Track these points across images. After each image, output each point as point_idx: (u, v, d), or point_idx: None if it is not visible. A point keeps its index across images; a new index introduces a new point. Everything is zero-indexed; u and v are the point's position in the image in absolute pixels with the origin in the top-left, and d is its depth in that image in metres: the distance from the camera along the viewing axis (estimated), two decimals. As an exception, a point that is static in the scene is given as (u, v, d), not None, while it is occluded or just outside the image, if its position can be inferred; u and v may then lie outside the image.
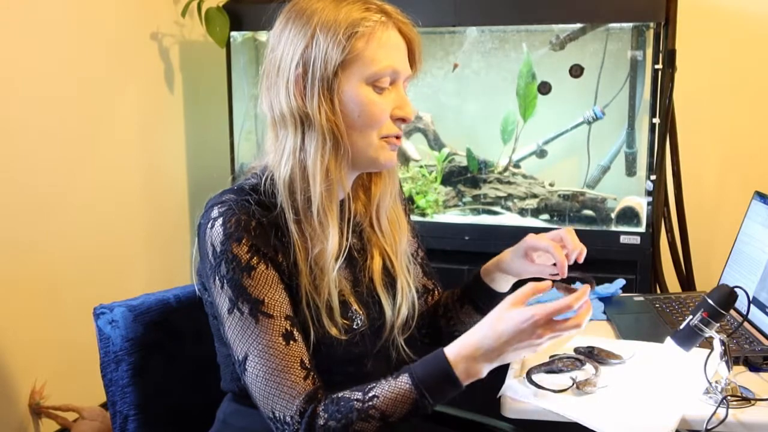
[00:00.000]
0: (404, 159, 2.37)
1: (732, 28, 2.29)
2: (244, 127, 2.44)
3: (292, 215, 1.07)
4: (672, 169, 2.18)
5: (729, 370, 1.15)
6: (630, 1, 2.06)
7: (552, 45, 2.20)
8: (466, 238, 2.21)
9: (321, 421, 0.99)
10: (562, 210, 2.26)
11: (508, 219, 2.29)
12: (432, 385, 1.00)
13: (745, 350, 1.31)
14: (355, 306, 1.11)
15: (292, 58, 1.06)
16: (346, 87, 1.06)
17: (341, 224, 1.11)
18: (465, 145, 2.35)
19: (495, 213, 2.31)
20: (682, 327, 1.20)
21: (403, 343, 1.18)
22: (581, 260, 1.16)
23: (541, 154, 2.32)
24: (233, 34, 2.35)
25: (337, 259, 1.08)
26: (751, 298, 1.44)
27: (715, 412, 1.10)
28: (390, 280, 1.18)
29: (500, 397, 1.19)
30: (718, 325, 1.17)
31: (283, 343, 1.01)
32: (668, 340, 1.22)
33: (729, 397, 1.12)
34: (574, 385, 1.18)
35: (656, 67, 2.05)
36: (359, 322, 1.11)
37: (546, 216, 2.27)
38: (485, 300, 1.25)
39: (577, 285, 1.09)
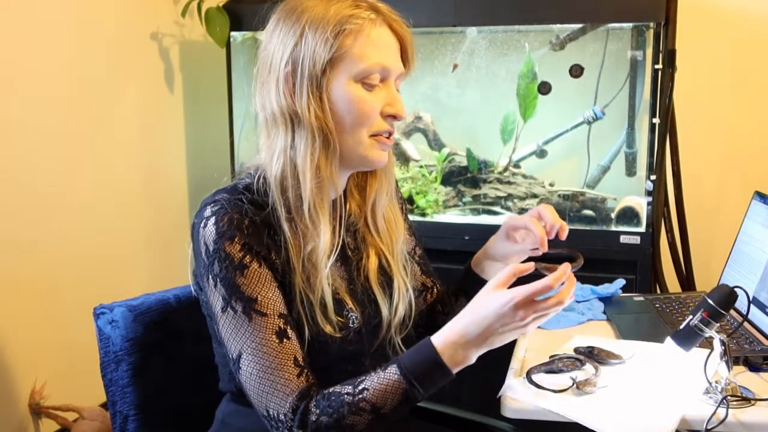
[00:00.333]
0: (404, 159, 2.37)
1: (732, 28, 2.29)
2: (244, 127, 2.43)
3: (284, 213, 1.07)
4: (672, 169, 2.18)
5: (729, 370, 1.15)
6: (630, 1, 2.06)
7: (552, 45, 2.20)
8: (466, 238, 2.21)
9: (313, 417, 0.99)
10: (562, 210, 2.26)
11: (508, 219, 2.29)
12: (420, 374, 1.00)
13: (745, 350, 1.31)
14: (350, 304, 1.12)
15: (282, 56, 1.06)
16: (335, 85, 1.06)
17: (334, 222, 1.12)
18: (465, 145, 2.35)
19: (495, 213, 2.31)
20: (682, 327, 1.20)
21: (400, 342, 1.18)
22: (563, 236, 1.15)
23: (541, 154, 2.32)
24: (233, 34, 2.35)
25: (329, 256, 1.08)
26: (751, 298, 1.44)
27: (715, 412, 1.10)
28: (386, 279, 1.18)
29: (500, 397, 1.19)
30: (718, 325, 1.17)
31: (277, 341, 1.02)
32: (668, 340, 1.22)
33: (729, 397, 1.12)
34: (574, 385, 1.18)
35: (656, 67, 2.05)
36: (354, 320, 1.12)
37: (546, 216, 2.27)
38: (478, 290, 1.24)
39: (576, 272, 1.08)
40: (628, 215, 2.19)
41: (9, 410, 1.99)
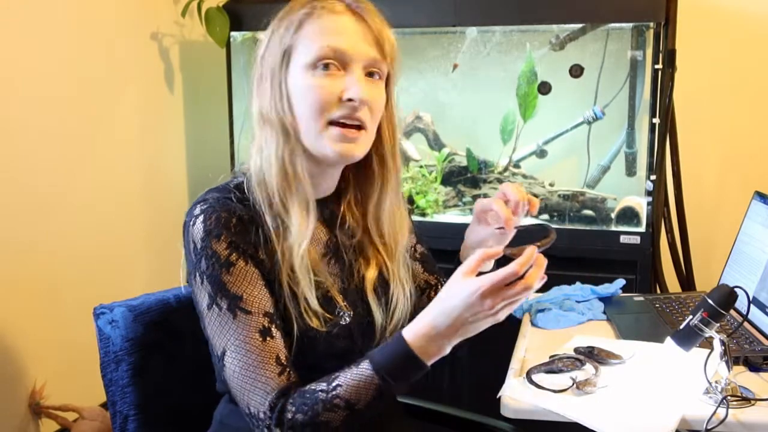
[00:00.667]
0: (404, 159, 2.37)
1: (732, 28, 2.29)
2: (244, 127, 2.43)
3: (267, 210, 1.08)
4: (672, 169, 2.18)
5: (729, 370, 1.15)
6: (630, 1, 2.06)
7: (552, 45, 2.20)
8: (466, 238, 2.21)
9: (289, 415, 0.99)
10: (562, 210, 2.26)
11: (508, 219, 2.28)
12: (392, 368, 0.99)
13: (745, 350, 1.31)
14: (340, 302, 1.11)
15: (257, 60, 1.11)
16: (292, 76, 1.08)
17: (322, 219, 1.14)
18: (465, 145, 2.35)
19: (495, 213, 2.30)
20: (682, 327, 1.20)
21: None
22: (534, 211, 1.13)
23: (541, 154, 2.32)
24: (233, 34, 2.36)
25: (303, 250, 1.07)
26: (751, 298, 1.44)
27: (715, 412, 1.10)
28: (384, 288, 1.18)
29: (500, 397, 1.19)
30: (718, 325, 1.17)
31: (260, 339, 1.02)
32: (668, 340, 1.22)
33: (729, 397, 1.12)
34: (574, 385, 1.18)
35: (656, 67, 2.05)
36: (344, 316, 1.11)
37: (546, 216, 2.27)
38: None
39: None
40: (628, 215, 2.19)
41: (9, 410, 1.99)
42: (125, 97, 2.39)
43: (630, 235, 2.11)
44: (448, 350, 1.01)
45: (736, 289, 1.18)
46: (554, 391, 1.17)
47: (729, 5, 2.29)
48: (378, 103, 1.10)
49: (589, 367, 1.25)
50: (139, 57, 2.44)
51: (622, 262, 2.09)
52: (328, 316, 1.09)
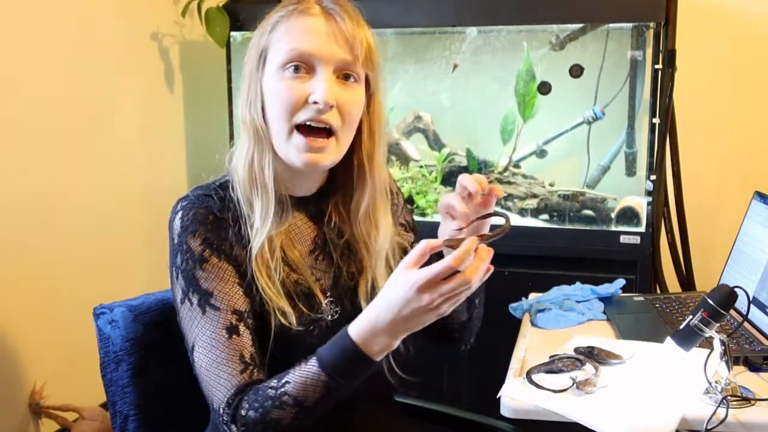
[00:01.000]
0: (404, 159, 2.37)
1: (732, 28, 2.29)
2: (244, 127, 2.44)
3: (247, 209, 1.10)
4: (672, 169, 2.18)
5: (729, 370, 1.15)
6: (630, 1, 2.06)
7: (552, 45, 2.20)
8: (466, 238, 2.21)
9: (243, 412, 1.00)
10: (562, 210, 2.26)
11: (508, 219, 2.28)
12: (339, 365, 0.97)
13: (745, 350, 1.31)
14: (322, 300, 1.11)
15: (244, 61, 1.12)
16: (266, 79, 1.08)
17: (307, 216, 1.15)
18: (465, 145, 2.35)
19: (495, 213, 2.30)
20: (682, 327, 1.20)
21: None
22: (500, 194, 1.12)
23: (541, 154, 2.32)
24: (233, 34, 2.36)
25: (262, 247, 1.07)
26: (751, 298, 1.44)
27: (715, 412, 1.10)
28: (373, 286, 1.17)
29: (500, 397, 1.19)
30: (718, 325, 1.18)
31: (226, 336, 1.03)
32: (668, 340, 1.22)
33: (729, 397, 1.12)
34: (574, 385, 1.18)
35: (656, 67, 2.05)
36: (322, 311, 1.10)
37: (546, 216, 2.27)
38: None
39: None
40: (628, 215, 2.19)
41: (9, 410, 1.99)
42: (125, 97, 2.39)
43: (630, 235, 2.11)
44: (395, 345, 0.98)
45: (736, 289, 1.18)
46: (554, 391, 1.17)
47: (729, 5, 2.29)
48: (351, 106, 1.08)
49: (589, 367, 1.25)
50: (139, 57, 2.44)
51: (622, 262, 2.09)
52: (307, 312, 1.09)
